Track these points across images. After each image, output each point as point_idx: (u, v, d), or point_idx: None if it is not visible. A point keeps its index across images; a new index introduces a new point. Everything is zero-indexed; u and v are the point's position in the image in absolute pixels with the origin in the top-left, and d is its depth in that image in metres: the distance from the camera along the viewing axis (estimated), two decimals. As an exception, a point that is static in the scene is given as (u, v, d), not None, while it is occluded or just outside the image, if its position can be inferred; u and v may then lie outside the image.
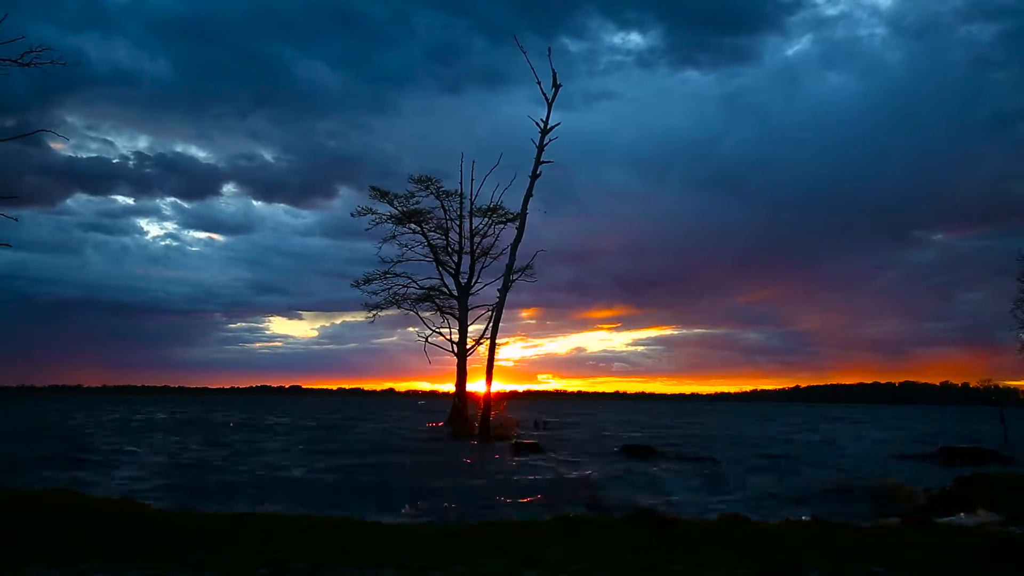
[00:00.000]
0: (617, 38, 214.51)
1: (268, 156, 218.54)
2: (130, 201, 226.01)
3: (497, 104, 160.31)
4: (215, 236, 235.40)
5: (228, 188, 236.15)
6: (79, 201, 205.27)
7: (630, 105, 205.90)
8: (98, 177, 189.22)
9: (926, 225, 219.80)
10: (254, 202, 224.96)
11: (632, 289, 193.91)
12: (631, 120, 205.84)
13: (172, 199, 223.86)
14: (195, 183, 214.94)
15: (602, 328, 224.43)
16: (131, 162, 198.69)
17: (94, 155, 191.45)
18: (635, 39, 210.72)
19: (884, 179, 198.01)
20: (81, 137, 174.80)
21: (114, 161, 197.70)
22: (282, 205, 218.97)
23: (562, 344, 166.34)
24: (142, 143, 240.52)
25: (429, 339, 41.41)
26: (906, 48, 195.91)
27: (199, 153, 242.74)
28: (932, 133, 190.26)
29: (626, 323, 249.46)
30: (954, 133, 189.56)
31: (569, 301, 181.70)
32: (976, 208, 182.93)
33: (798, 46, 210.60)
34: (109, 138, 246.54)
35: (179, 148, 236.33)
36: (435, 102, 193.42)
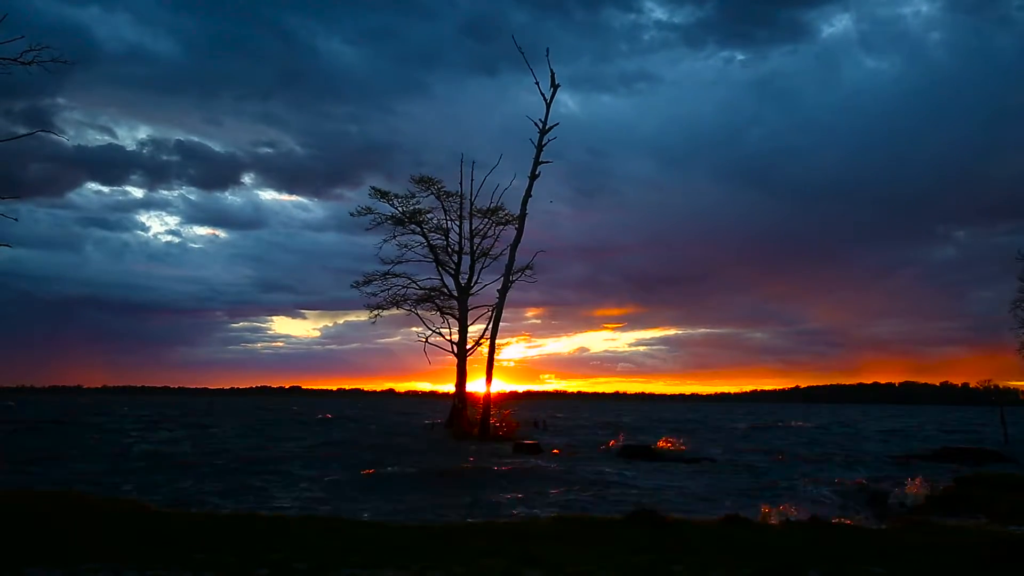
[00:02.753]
0: (664, 12, 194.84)
1: (286, 144, 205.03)
2: (138, 193, 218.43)
3: (532, 85, 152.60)
4: (220, 233, 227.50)
5: (242, 179, 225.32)
6: (83, 195, 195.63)
7: (668, 89, 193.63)
8: (108, 166, 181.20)
9: (952, 219, 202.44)
10: (265, 196, 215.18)
11: (644, 286, 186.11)
12: (665, 105, 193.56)
13: (180, 192, 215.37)
14: (205, 174, 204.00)
15: (607, 328, 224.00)
16: (145, 149, 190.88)
17: (103, 143, 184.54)
18: (685, 12, 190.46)
19: (915, 169, 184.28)
20: (81, 125, 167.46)
21: (128, 149, 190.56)
22: (296, 198, 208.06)
23: (565, 344, 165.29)
24: (150, 129, 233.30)
25: (429, 339, 41.43)
26: (954, 25, 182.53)
27: (210, 141, 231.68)
28: (975, 117, 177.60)
29: (632, 322, 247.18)
30: (998, 118, 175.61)
31: (579, 299, 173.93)
32: (1007, 201, 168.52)
33: (846, 24, 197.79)
34: (114, 124, 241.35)
35: (189, 136, 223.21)
36: (467, 82, 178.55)
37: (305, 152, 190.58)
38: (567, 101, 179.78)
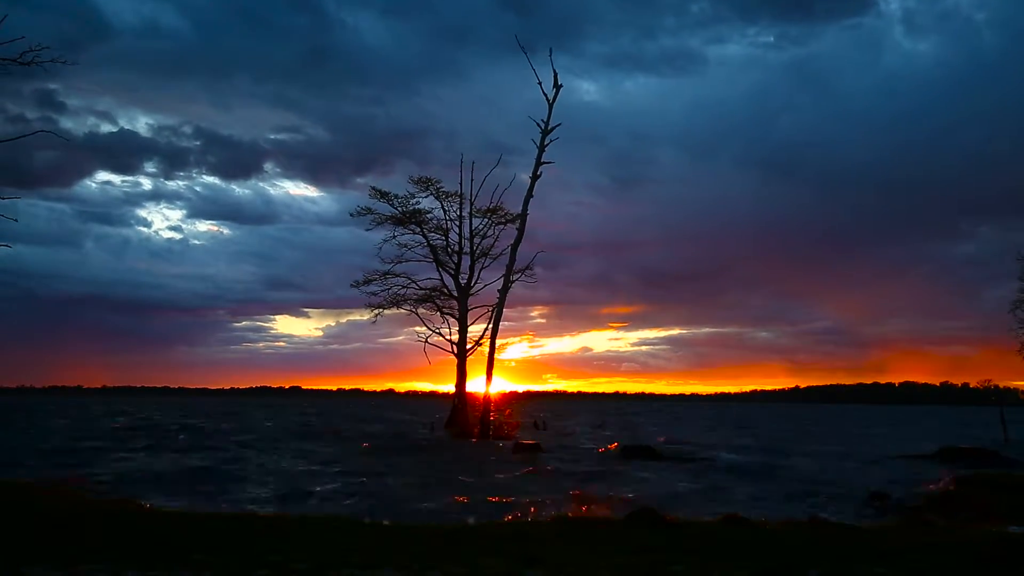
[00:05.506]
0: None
1: (304, 132, 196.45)
2: (148, 184, 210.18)
3: (566, 65, 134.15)
4: (224, 230, 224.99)
5: (264, 167, 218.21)
6: (90, 186, 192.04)
7: (713, 69, 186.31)
8: (120, 154, 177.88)
9: (977, 213, 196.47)
10: (284, 187, 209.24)
11: (654, 283, 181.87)
12: (695, 88, 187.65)
13: (194, 182, 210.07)
14: (224, 162, 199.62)
15: (611, 326, 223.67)
16: (162, 136, 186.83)
17: (115, 129, 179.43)
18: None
19: (947, 161, 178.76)
20: (84, 111, 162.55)
21: (143, 136, 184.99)
22: (315, 190, 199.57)
23: (568, 343, 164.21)
24: (154, 116, 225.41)
25: (429, 340, 41.38)
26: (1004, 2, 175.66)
27: (226, 128, 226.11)
28: (1017, 104, 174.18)
29: (637, 321, 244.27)
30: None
31: (587, 297, 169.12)
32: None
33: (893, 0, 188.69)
34: (117, 110, 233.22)
35: (201, 122, 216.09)
36: (501, 61, 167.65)
37: (330, 138, 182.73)
38: (591, 86, 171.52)
